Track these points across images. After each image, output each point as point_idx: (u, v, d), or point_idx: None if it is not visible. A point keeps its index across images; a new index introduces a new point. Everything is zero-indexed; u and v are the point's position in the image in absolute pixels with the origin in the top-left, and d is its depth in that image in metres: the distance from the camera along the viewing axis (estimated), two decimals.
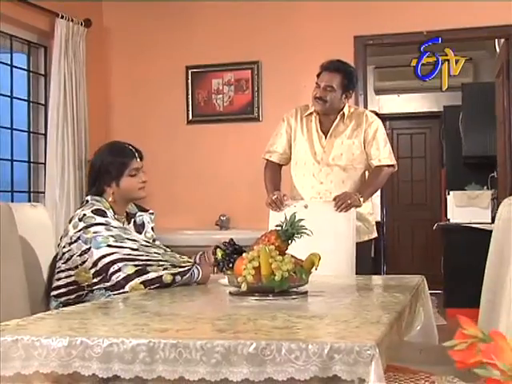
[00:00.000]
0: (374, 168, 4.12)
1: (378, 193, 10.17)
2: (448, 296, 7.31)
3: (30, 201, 5.21)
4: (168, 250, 3.20)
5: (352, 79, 4.17)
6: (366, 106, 5.48)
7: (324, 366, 1.60)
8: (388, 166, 4.13)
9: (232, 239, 2.76)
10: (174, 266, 2.92)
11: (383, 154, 4.10)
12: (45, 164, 5.16)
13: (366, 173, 4.18)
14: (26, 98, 5.35)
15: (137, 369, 1.71)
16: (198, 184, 5.74)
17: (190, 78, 5.75)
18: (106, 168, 3.06)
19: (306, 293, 2.60)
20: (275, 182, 4.20)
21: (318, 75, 4.13)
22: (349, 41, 5.39)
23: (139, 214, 3.25)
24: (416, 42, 5.31)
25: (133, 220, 3.21)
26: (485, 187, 7.82)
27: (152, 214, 3.35)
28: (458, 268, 6.92)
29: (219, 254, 2.70)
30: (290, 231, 2.60)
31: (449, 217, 7.68)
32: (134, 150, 3.18)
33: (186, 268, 2.91)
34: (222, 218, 5.57)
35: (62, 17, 5.13)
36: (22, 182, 5.33)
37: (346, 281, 3.33)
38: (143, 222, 3.26)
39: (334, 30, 5.42)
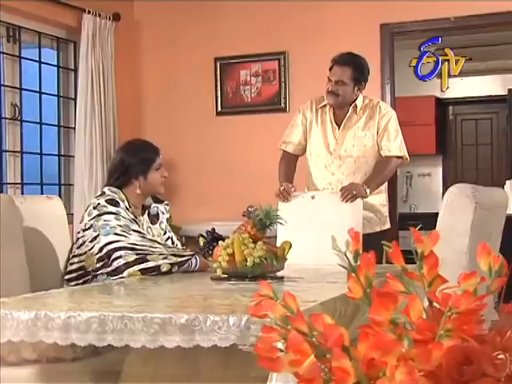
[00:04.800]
0: (382, 158, 4.42)
1: (440, 183, 10.39)
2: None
3: (60, 193, 5.73)
4: (174, 246, 3.66)
5: (363, 71, 4.47)
6: (393, 94, 5.77)
7: (242, 335, 2.01)
8: (397, 157, 4.43)
9: (214, 228, 3.18)
10: (175, 256, 3.35)
11: (393, 145, 4.40)
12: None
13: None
14: (56, 93, 5.87)
15: (90, 337, 2.15)
16: (226, 175, 6.16)
17: (218, 69, 6.17)
18: (136, 163, 3.55)
19: (282, 278, 3.00)
20: (288, 173, 4.55)
21: (330, 69, 4.45)
22: (375, 29, 5.69)
23: (154, 205, 3.72)
24: (443, 28, 5.59)
25: (147, 211, 3.67)
26: None
27: (167, 204, 3.81)
28: None
29: (201, 241, 3.13)
30: (264, 220, 3.00)
31: None
32: (156, 147, 3.67)
33: (185, 258, 3.33)
34: (249, 209, 5.96)
35: (89, 12, 5.61)
36: (56, 176, 5.88)
37: (340, 269, 3.68)
38: (157, 213, 3.72)
39: (359, 18, 5.73)
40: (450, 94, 9.89)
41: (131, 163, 3.53)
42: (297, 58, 5.94)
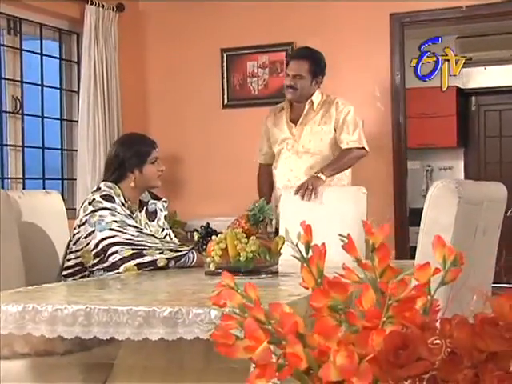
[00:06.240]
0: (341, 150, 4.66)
1: (462, 176, 10.40)
2: None
3: (62, 188, 5.89)
4: (172, 241, 3.80)
5: (320, 64, 4.77)
6: (403, 85, 5.86)
7: None
8: (357, 148, 4.66)
9: (208, 223, 3.31)
10: (172, 251, 3.49)
11: (352, 138, 4.64)
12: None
13: None
14: (58, 86, 6.01)
15: (76, 330, 2.29)
16: (232, 169, 6.27)
17: (225, 61, 6.29)
18: (131, 155, 3.69)
19: (276, 273, 3.13)
20: (264, 190, 4.92)
21: (287, 64, 4.77)
22: (385, 19, 5.79)
23: (152, 201, 3.85)
24: (455, 18, 5.68)
25: (145, 208, 3.81)
26: None
27: (165, 202, 3.95)
28: None
29: (195, 236, 3.27)
30: (258, 215, 3.13)
31: None
32: (152, 140, 3.82)
33: (181, 253, 3.47)
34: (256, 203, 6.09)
35: (92, 3, 5.74)
36: (58, 170, 6.03)
37: (338, 264, 3.81)
38: (155, 210, 3.86)
39: (368, 8, 5.81)
40: (472, 83, 9.86)
41: (126, 156, 3.67)
42: None
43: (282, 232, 3.98)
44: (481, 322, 1.23)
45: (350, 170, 4.78)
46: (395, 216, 5.76)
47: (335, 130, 4.67)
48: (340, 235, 1.48)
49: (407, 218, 5.80)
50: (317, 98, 4.73)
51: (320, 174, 4.44)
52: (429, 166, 10.08)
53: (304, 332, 1.33)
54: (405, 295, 1.25)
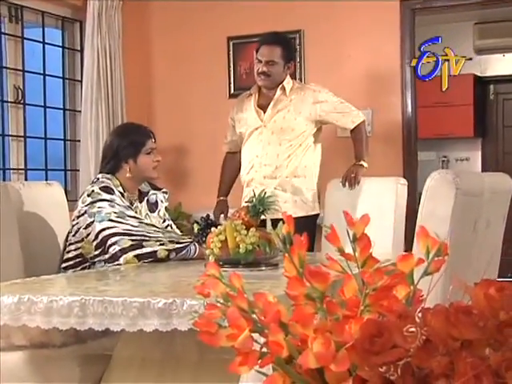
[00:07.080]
0: (352, 132, 4.76)
1: (479, 168, 10.37)
2: None
3: (65, 179, 5.97)
4: (172, 230, 3.88)
5: (291, 49, 4.90)
6: (413, 75, 5.89)
7: None
8: (362, 122, 4.77)
9: (208, 214, 3.39)
10: (173, 242, 3.56)
11: (352, 115, 4.74)
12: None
13: (301, 151, 4.73)
14: (61, 75, 6.07)
15: (72, 321, 2.38)
16: None
17: (231, 49, 6.35)
18: (125, 145, 3.77)
19: (276, 265, 3.20)
20: (224, 179, 5.13)
21: (257, 50, 4.75)
22: (395, 5, 5.82)
23: (152, 192, 3.93)
24: (468, 4, 5.70)
25: (146, 199, 3.89)
26: None
27: (166, 192, 4.03)
28: None
29: (195, 228, 3.34)
30: (258, 207, 3.20)
31: None
32: (148, 130, 3.90)
33: (183, 245, 3.54)
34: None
35: None
36: (61, 161, 6.11)
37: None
38: (156, 201, 3.94)
39: None
40: (490, 71, 9.80)
41: (120, 146, 3.76)
42: (313, 37, 6.08)
43: (326, 222, 4.17)
44: (455, 311, 1.29)
45: (318, 170, 4.83)
46: None
47: (321, 119, 4.72)
48: (324, 226, 1.55)
49: (417, 210, 5.82)
50: (288, 83, 4.74)
51: (362, 162, 4.57)
52: (444, 156, 10.06)
53: (287, 321, 1.40)
54: (381, 284, 1.32)
